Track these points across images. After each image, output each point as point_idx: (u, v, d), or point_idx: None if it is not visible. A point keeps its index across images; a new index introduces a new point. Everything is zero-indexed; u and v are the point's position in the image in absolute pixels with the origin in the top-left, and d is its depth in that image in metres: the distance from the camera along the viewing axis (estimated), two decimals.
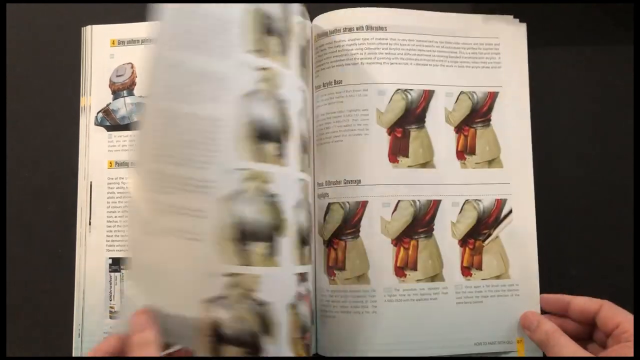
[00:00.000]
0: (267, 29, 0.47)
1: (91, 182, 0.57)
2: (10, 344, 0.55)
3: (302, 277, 0.49)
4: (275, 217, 0.46)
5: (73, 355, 0.54)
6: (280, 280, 0.46)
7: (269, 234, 0.46)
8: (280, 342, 0.45)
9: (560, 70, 0.61)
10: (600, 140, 0.61)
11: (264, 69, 0.46)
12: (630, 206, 0.59)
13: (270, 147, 0.46)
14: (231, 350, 0.44)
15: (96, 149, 0.58)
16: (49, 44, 0.61)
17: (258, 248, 0.45)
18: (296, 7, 0.51)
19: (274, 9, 0.47)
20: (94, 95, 0.59)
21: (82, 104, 0.58)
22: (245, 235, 0.45)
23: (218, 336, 0.44)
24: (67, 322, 0.55)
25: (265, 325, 0.45)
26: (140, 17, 0.59)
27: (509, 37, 0.60)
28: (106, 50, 0.59)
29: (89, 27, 0.59)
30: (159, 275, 0.44)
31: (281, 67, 0.47)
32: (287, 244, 0.47)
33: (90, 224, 0.56)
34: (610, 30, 0.62)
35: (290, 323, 0.46)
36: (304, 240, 0.49)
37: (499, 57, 0.59)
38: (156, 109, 0.44)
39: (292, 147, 0.48)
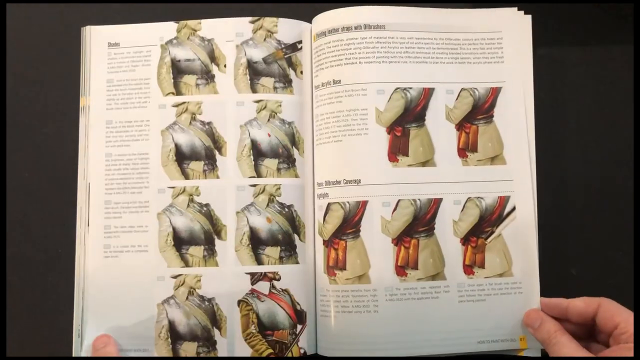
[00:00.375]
0: (185, 71, 0.58)
1: (89, 182, 0.57)
2: (10, 344, 0.56)
3: (263, 276, 0.55)
4: (210, 223, 0.56)
5: (73, 355, 0.55)
6: (222, 278, 0.55)
7: (206, 238, 0.56)
8: (232, 336, 0.54)
9: (560, 69, 0.61)
10: (602, 139, 0.60)
11: (181, 103, 0.58)
12: (631, 206, 0.59)
13: (197, 165, 0.57)
14: (188, 346, 0.54)
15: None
16: (49, 44, 0.61)
17: (196, 251, 0.56)
18: (234, 26, 0.59)
19: (192, 52, 0.58)
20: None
21: (82, 104, 0.58)
22: (183, 241, 0.56)
23: (174, 335, 0.55)
24: (67, 322, 0.55)
25: (214, 319, 0.55)
26: (140, 19, 0.60)
27: (512, 30, 0.59)
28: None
29: (88, 27, 0.59)
30: (117, 290, 0.55)
31: (208, 93, 0.58)
32: (228, 246, 0.55)
33: (89, 224, 0.56)
34: (610, 30, 0.61)
35: (242, 318, 0.55)
36: (260, 241, 0.56)
37: (501, 52, 0.59)
38: (99, 155, 0.57)
39: (227, 159, 0.57)
